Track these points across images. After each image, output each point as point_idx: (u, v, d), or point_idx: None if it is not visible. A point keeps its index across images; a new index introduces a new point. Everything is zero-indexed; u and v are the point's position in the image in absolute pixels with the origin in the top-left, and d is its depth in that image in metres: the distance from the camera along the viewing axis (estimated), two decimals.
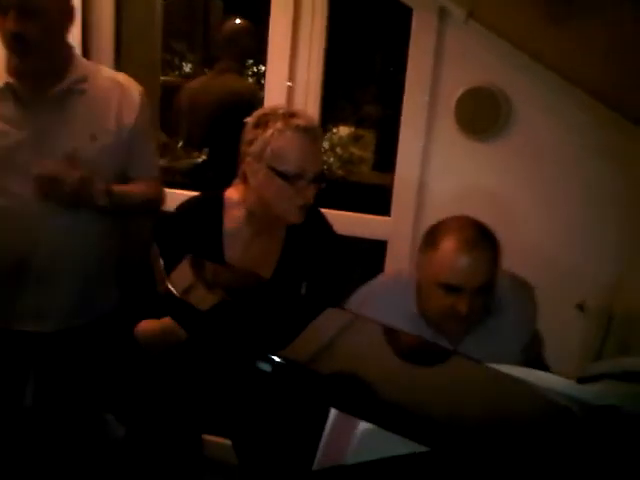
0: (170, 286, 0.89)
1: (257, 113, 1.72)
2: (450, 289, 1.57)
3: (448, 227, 1.62)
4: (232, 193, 1.78)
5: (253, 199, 1.72)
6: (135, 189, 2.02)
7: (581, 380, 1.12)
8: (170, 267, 1.74)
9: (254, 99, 3.13)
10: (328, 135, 4.28)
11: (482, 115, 2.17)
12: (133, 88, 1.99)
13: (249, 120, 1.71)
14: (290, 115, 1.67)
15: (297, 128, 1.63)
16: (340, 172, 4.23)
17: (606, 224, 2.13)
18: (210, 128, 3.78)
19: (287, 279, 1.81)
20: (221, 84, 3.58)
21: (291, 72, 2.29)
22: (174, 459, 1.92)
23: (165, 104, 3.55)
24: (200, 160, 3.99)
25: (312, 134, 1.66)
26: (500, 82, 2.13)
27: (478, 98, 2.15)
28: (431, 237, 1.63)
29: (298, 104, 2.32)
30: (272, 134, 1.63)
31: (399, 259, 2.24)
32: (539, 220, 2.18)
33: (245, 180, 1.72)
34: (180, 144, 4.08)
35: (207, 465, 2.15)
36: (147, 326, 1.72)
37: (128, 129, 1.95)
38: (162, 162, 3.85)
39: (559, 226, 2.17)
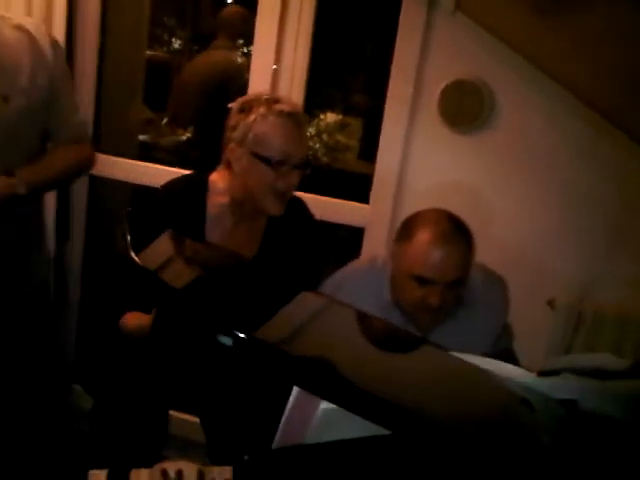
0: (135, 257, 0.88)
1: (241, 99, 1.72)
2: (422, 281, 1.58)
3: (423, 219, 1.63)
4: (217, 178, 1.78)
5: (236, 186, 1.72)
6: (56, 160, 1.88)
7: (542, 373, 1.14)
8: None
9: (240, 79, 3.12)
10: (315, 121, 4.28)
11: (465, 108, 2.17)
12: (44, 40, 1.78)
13: (233, 105, 1.71)
14: (274, 101, 1.67)
15: (280, 113, 1.64)
16: (325, 159, 4.24)
17: (581, 223, 2.15)
18: (196, 106, 3.78)
19: (265, 268, 1.81)
20: (209, 62, 3.58)
21: (277, 55, 2.28)
22: (140, 434, 1.92)
23: (151, 79, 3.53)
24: (184, 138, 3.97)
25: (296, 119, 1.66)
26: (485, 76, 2.13)
27: (462, 91, 2.15)
28: (406, 229, 1.64)
29: (283, 87, 2.31)
30: (255, 119, 1.63)
31: (375, 247, 2.24)
32: (515, 216, 2.20)
33: (229, 166, 1.71)
34: (165, 120, 4.06)
35: (173, 441, 2.16)
36: (133, 319, 1.71)
37: (44, 89, 1.78)
38: (145, 137, 3.85)
39: (535, 223, 2.19)
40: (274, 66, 2.30)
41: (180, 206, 1.73)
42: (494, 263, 1.89)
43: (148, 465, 1.33)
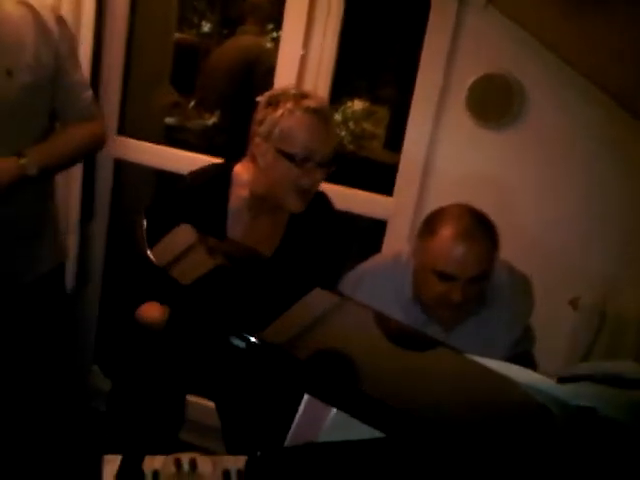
0: (150, 254, 0.88)
1: (269, 92, 1.71)
2: (444, 277, 1.57)
3: (447, 215, 1.62)
4: (241, 171, 1.77)
5: (259, 181, 1.71)
6: (66, 139, 1.85)
7: (561, 380, 1.12)
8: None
9: (268, 64, 3.09)
10: (342, 108, 4.25)
11: (494, 103, 2.14)
12: (48, 15, 1.75)
13: (261, 99, 1.70)
14: (301, 96, 1.66)
15: (307, 109, 1.62)
16: (351, 147, 4.21)
17: (608, 223, 2.12)
18: (223, 90, 3.77)
19: (286, 264, 1.80)
20: (237, 46, 3.56)
21: (305, 41, 2.25)
22: (157, 417, 1.94)
23: (180, 62, 3.54)
24: (210, 122, 3.96)
25: (322, 115, 1.64)
26: (515, 71, 2.10)
27: (492, 85, 2.12)
28: (429, 224, 1.63)
29: (310, 73, 2.29)
30: (282, 114, 1.62)
31: (398, 240, 2.23)
32: (541, 213, 2.17)
33: (254, 160, 1.71)
34: (192, 104, 4.06)
35: (189, 425, 2.18)
36: (150, 312, 1.71)
37: (49, 66, 1.75)
38: (172, 120, 3.85)
39: (561, 221, 2.15)
40: (302, 52, 2.28)
41: (202, 199, 1.73)
42: (517, 259, 1.86)
43: (164, 448, 1.34)
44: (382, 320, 1.15)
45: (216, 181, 1.76)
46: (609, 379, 1.11)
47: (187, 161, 2.34)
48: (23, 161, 1.69)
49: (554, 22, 1.88)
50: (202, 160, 2.27)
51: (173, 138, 3.57)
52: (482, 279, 1.60)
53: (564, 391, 1.10)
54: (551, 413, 1.05)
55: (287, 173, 1.64)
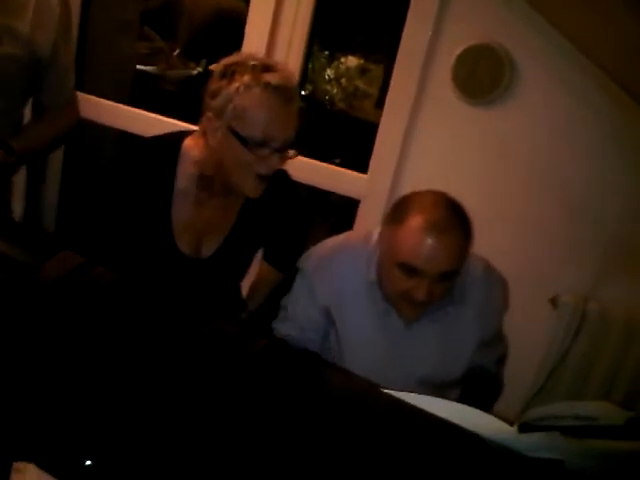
0: None
1: (225, 61, 1.47)
2: (410, 271, 1.42)
3: (418, 202, 1.45)
4: (191, 145, 1.57)
5: (209, 160, 1.52)
6: (47, 129, 1.80)
7: (523, 427, 0.98)
8: (110, 217, 1.60)
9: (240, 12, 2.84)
10: (335, 64, 4.05)
11: (482, 77, 1.96)
12: None
13: (215, 68, 1.48)
14: (262, 68, 1.43)
15: (267, 86, 1.41)
16: (342, 105, 4.02)
17: (596, 214, 1.96)
18: (207, 39, 3.55)
19: (241, 245, 1.66)
20: None
21: None
22: None
23: (165, 5, 3.32)
24: (195, 72, 3.75)
25: (285, 95, 1.43)
26: (507, 42, 1.91)
27: (480, 57, 1.94)
28: (398, 211, 1.47)
29: (285, 22, 2.09)
30: (237, 89, 1.41)
31: (370, 222, 2.07)
32: (526, 204, 2.00)
33: (204, 136, 1.51)
34: (177, 52, 3.83)
35: None
36: None
37: (44, 53, 1.68)
38: (154, 69, 3.63)
39: (546, 213, 1.99)
40: None
41: (146, 175, 1.56)
42: (497, 252, 1.71)
43: None
44: None
45: (162, 156, 1.57)
46: (578, 426, 0.97)
47: (153, 124, 2.17)
48: (13, 159, 1.65)
49: None
50: (169, 124, 2.09)
51: (154, 87, 3.37)
52: (450, 276, 1.45)
53: (527, 442, 0.96)
54: (513, 466, 0.92)
55: (239, 157, 1.46)
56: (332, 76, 4.02)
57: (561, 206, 1.97)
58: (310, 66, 4.07)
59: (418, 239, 1.39)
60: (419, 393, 1.53)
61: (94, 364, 0.95)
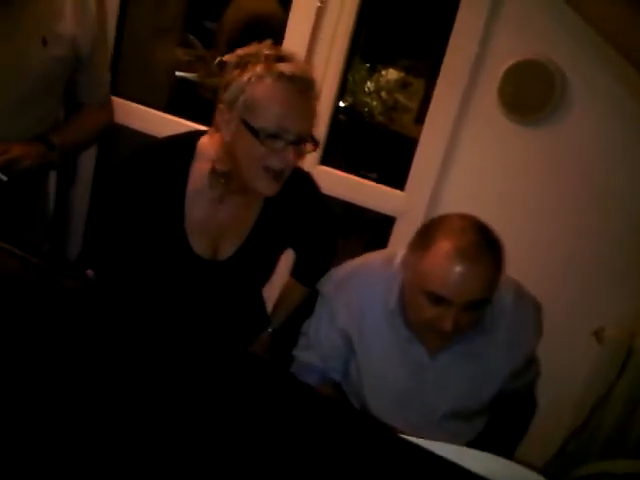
0: None
1: (239, 51, 1.40)
2: (436, 300, 1.34)
3: (446, 226, 1.36)
4: (207, 143, 1.51)
5: (222, 155, 1.45)
6: (84, 125, 1.84)
7: None
8: (120, 219, 1.54)
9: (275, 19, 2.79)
10: (375, 77, 4.00)
11: (530, 94, 1.86)
12: None
13: (228, 59, 1.41)
14: (276, 58, 1.36)
15: (280, 76, 1.34)
16: (381, 118, 3.96)
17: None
18: (243, 45, 3.49)
19: (261, 248, 1.58)
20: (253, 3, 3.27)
21: None
22: None
23: (207, 12, 3.28)
24: None
25: (299, 85, 1.36)
26: (558, 58, 1.81)
27: (529, 73, 1.85)
28: (425, 236, 1.38)
29: (327, 28, 2.04)
30: (249, 79, 1.34)
31: (404, 241, 1.98)
32: (570, 229, 1.89)
33: (218, 130, 1.44)
34: (218, 59, 3.80)
35: None
36: None
37: (84, 52, 1.72)
38: (193, 76, 3.61)
39: (591, 240, 1.88)
40: (319, 3, 2.03)
41: (157, 175, 1.49)
42: (535, 278, 1.62)
43: None
44: None
45: (176, 154, 1.51)
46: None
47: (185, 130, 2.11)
48: (53, 153, 1.71)
49: (608, 7, 1.58)
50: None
51: (193, 95, 3.34)
52: (480, 306, 1.36)
53: None
54: None
55: (251, 150, 1.38)
56: (372, 89, 3.96)
57: (611, 233, 1.86)
58: (350, 78, 4.01)
59: (445, 266, 1.31)
60: (443, 424, 1.45)
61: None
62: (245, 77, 1.34)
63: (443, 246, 1.31)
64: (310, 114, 1.41)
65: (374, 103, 3.95)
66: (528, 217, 1.89)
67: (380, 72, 4.09)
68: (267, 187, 1.42)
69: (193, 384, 0.96)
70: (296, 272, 1.78)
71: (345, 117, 3.72)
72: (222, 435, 0.88)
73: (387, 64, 4.08)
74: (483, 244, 1.33)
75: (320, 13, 2.06)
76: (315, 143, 1.42)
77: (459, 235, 1.32)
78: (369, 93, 3.85)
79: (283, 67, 1.35)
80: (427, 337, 1.44)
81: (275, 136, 1.36)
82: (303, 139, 1.39)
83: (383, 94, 4.10)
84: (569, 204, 1.89)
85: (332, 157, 2.32)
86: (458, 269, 1.30)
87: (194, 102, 3.30)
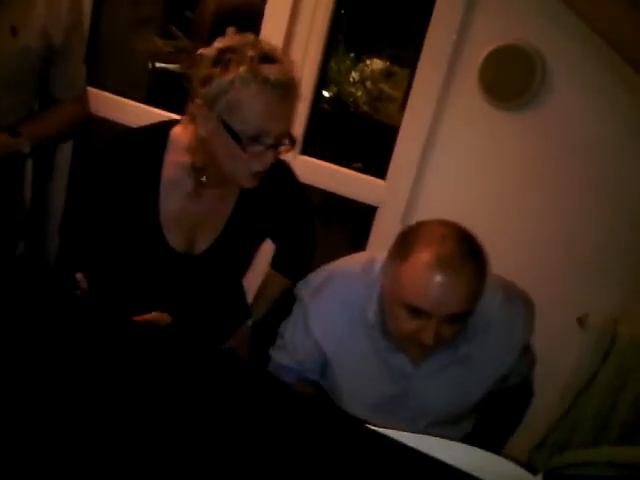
0: None
1: (219, 44, 1.35)
2: (416, 312, 1.27)
3: (426, 235, 1.29)
4: (180, 133, 1.47)
5: (199, 151, 1.42)
6: (58, 117, 1.80)
7: (549, 477, 0.86)
8: (94, 210, 1.51)
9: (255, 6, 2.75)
10: (360, 66, 3.97)
11: (511, 79, 1.84)
12: None
13: (206, 51, 1.37)
14: (261, 58, 1.32)
15: (265, 82, 1.30)
16: (365, 108, 3.93)
17: (629, 233, 1.82)
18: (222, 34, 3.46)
19: (238, 241, 1.55)
20: None
21: None
22: None
23: (187, 2, 3.24)
24: None
25: (283, 90, 1.32)
26: (538, 42, 1.79)
27: (509, 58, 1.82)
28: (403, 244, 1.31)
29: (304, 15, 2.02)
30: (232, 81, 1.29)
31: (386, 232, 1.95)
32: (555, 217, 1.87)
33: (193, 122, 1.41)
34: (200, 51, 3.76)
35: None
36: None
37: (56, 42, 1.68)
38: (175, 67, 3.57)
39: (576, 227, 1.86)
40: None
41: (130, 166, 1.46)
42: (520, 268, 1.60)
43: None
44: None
45: (148, 144, 1.47)
46: (614, 477, 0.85)
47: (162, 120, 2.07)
48: (17, 139, 1.69)
49: None
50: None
51: (175, 86, 3.30)
52: (462, 318, 1.30)
53: None
54: None
55: (230, 151, 1.35)
56: (357, 79, 3.94)
57: (594, 221, 1.84)
58: (335, 67, 3.99)
59: (424, 278, 1.24)
60: (429, 431, 1.39)
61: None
62: (228, 77, 1.30)
63: (422, 256, 1.25)
64: (290, 116, 1.39)
65: (359, 93, 3.93)
66: (510, 204, 1.87)
67: (365, 62, 4.06)
68: (248, 183, 1.41)
69: (173, 385, 0.93)
70: (275, 263, 1.75)
71: (330, 107, 3.70)
72: (201, 435, 0.86)
73: (371, 54, 4.06)
74: (465, 253, 1.26)
75: (296, 4, 2.03)
76: (292, 142, 1.40)
77: (439, 243, 1.26)
78: (354, 83, 3.82)
79: (268, 71, 1.30)
80: (409, 348, 1.38)
81: (255, 139, 1.33)
82: (282, 141, 1.37)
83: (368, 84, 4.07)
84: (551, 190, 1.87)
85: (316, 147, 2.30)
86: (439, 280, 1.23)
87: (175, 93, 3.26)
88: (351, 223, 2.79)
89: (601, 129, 1.81)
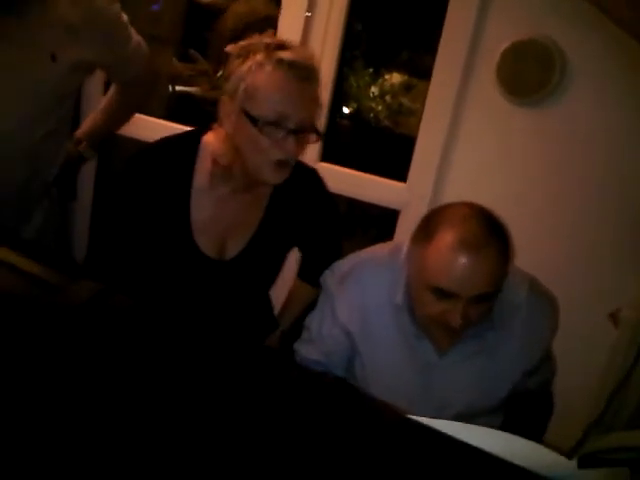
0: None
1: (241, 43, 1.38)
2: (441, 295, 1.27)
3: (447, 216, 1.29)
4: (211, 139, 1.48)
5: (224, 148, 1.43)
6: (115, 110, 1.86)
7: (583, 460, 0.83)
8: (126, 219, 1.52)
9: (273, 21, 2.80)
10: (379, 81, 3.99)
11: (529, 74, 1.82)
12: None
13: (231, 50, 1.39)
14: (276, 46, 1.34)
15: (279, 62, 1.31)
16: (386, 122, 3.94)
17: None
18: None
19: (268, 246, 1.55)
20: (235, 12, 3.28)
21: (311, 0, 1.97)
22: None
23: (207, 26, 3.29)
24: None
25: (300, 72, 1.33)
26: (556, 36, 1.77)
27: (527, 53, 1.81)
28: (426, 227, 1.31)
29: (315, 38, 2.01)
30: (249, 68, 1.32)
31: (409, 233, 1.94)
32: (579, 208, 1.84)
33: (221, 124, 1.42)
34: (220, 73, 3.81)
35: None
36: None
37: (97, 49, 1.64)
38: (195, 90, 3.61)
39: (603, 222, 1.83)
40: (307, 13, 2.00)
41: (162, 174, 1.47)
42: (547, 262, 1.57)
43: None
44: None
45: (179, 152, 1.48)
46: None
47: None
48: (80, 147, 1.84)
49: None
50: None
51: (195, 109, 3.34)
52: (489, 298, 1.29)
53: (589, 478, 0.82)
54: None
55: (252, 140, 1.35)
56: (377, 93, 3.95)
57: (620, 212, 1.80)
58: (354, 84, 4.01)
59: (449, 259, 1.24)
60: None
61: (116, 386, 0.86)
62: (245, 66, 1.32)
63: (445, 237, 1.24)
64: (311, 102, 1.38)
65: (379, 108, 3.94)
66: (532, 200, 1.84)
67: (384, 76, 4.08)
68: (273, 176, 1.40)
69: (202, 377, 0.92)
70: (303, 272, 1.74)
71: (351, 123, 3.71)
72: (231, 428, 0.85)
73: (390, 68, 4.08)
74: (487, 233, 1.26)
75: (309, 23, 2.05)
76: (318, 133, 1.39)
77: (462, 224, 1.25)
78: (374, 98, 3.84)
79: (283, 54, 1.32)
80: (436, 333, 1.37)
81: (275, 124, 1.33)
82: (304, 128, 1.36)
83: (388, 98, 4.08)
84: (575, 184, 1.84)
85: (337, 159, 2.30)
86: (463, 261, 1.22)
87: (196, 116, 3.30)
88: (374, 229, 2.78)
89: (624, 119, 1.78)
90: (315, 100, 1.38)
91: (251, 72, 1.32)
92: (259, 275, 1.61)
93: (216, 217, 1.49)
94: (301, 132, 1.36)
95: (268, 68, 1.31)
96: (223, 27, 3.51)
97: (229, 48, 1.40)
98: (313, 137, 1.39)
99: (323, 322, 1.48)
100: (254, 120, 1.33)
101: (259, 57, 1.32)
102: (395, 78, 4.19)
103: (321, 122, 2.04)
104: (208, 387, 0.90)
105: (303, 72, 1.34)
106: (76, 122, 1.96)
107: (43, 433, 0.77)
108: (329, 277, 1.51)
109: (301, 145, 1.39)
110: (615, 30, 1.67)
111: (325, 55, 2.06)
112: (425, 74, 4.17)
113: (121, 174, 1.52)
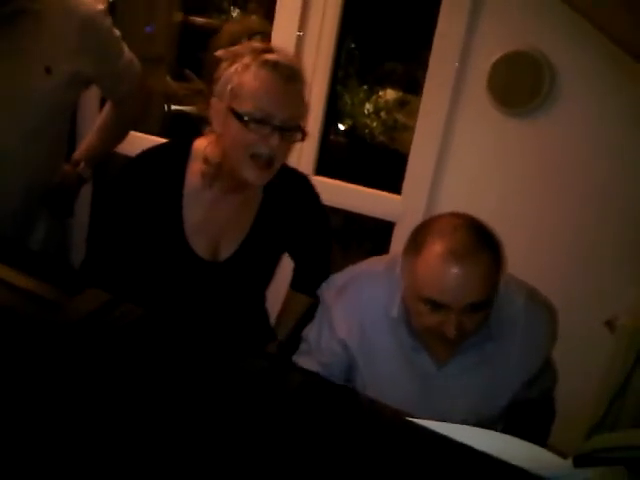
0: None
1: (230, 48, 1.45)
2: (435, 305, 1.27)
3: (437, 228, 1.29)
4: (201, 143, 1.52)
5: (214, 147, 1.47)
6: (110, 129, 1.87)
7: (578, 460, 0.83)
8: (120, 223, 1.54)
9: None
10: (373, 98, 4.01)
11: (520, 85, 1.84)
12: (90, 7, 1.65)
13: (220, 54, 1.44)
14: (263, 50, 1.41)
15: (265, 63, 1.37)
16: (381, 138, 3.96)
17: None
18: None
19: (260, 248, 1.57)
20: (228, 31, 3.32)
21: (302, 20, 2.00)
22: None
23: (201, 45, 3.32)
24: None
25: (284, 72, 1.39)
26: (545, 48, 1.79)
27: (517, 64, 1.83)
28: (415, 239, 1.32)
29: (307, 57, 2.04)
30: (236, 69, 1.38)
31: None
32: (573, 217, 1.85)
33: (212, 125, 1.47)
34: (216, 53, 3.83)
35: None
36: None
37: (90, 64, 1.67)
38: (190, 109, 3.63)
39: (598, 229, 1.84)
40: (299, 33, 2.02)
41: (154, 178, 1.50)
42: (543, 272, 1.58)
43: None
44: None
45: (171, 157, 1.52)
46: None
47: None
48: (78, 168, 1.85)
49: None
50: None
51: (191, 128, 3.36)
52: (482, 307, 1.29)
53: (584, 478, 0.82)
54: None
55: (238, 136, 1.39)
56: (371, 110, 3.97)
57: (616, 222, 1.81)
58: (349, 101, 4.04)
59: (438, 270, 1.24)
60: None
61: (119, 401, 0.87)
62: (233, 68, 1.39)
63: (434, 248, 1.25)
64: (296, 101, 1.43)
65: (374, 124, 3.96)
66: (527, 210, 1.85)
67: (378, 93, 4.10)
68: (256, 176, 1.43)
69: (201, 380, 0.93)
70: (295, 282, 1.76)
71: (346, 140, 3.72)
72: (233, 431, 0.85)
73: (384, 84, 4.10)
74: (476, 242, 1.26)
75: (300, 43, 2.08)
76: (303, 132, 1.43)
77: (450, 235, 1.26)
78: (368, 115, 3.86)
79: (269, 56, 1.39)
80: (434, 345, 1.38)
81: (261, 121, 1.37)
82: (289, 126, 1.40)
83: (382, 114, 4.11)
84: (568, 195, 1.85)
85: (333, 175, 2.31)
86: (453, 271, 1.23)
87: (191, 135, 3.33)
88: (370, 242, 2.79)
89: (616, 128, 1.79)
90: (300, 99, 1.44)
91: (237, 73, 1.38)
92: (253, 276, 1.64)
93: (209, 219, 1.52)
94: (287, 130, 1.41)
95: (254, 69, 1.38)
96: (217, 46, 3.54)
97: (219, 53, 1.46)
98: (298, 136, 1.44)
99: (321, 334, 1.49)
100: (240, 117, 1.37)
101: (246, 59, 1.39)
102: (389, 94, 4.22)
103: (314, 135, 2.08)
104: (208, 388, 0.91)
105: (287, 71, 1.40)
106: (72, 142, 1.99)
107: (41, 450, 0.77)
108: (326, 290, 1.52)
109: (286, 143, 1.43)
110: (604, 41, 1.70)
111: (317, 73, 2.09)
112: (419, 90, 4.20)
113: (116, 178, 1.55)
